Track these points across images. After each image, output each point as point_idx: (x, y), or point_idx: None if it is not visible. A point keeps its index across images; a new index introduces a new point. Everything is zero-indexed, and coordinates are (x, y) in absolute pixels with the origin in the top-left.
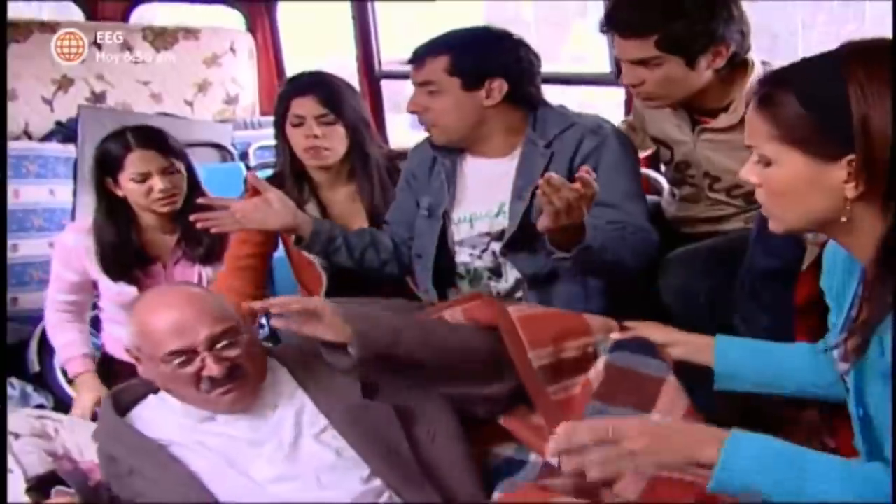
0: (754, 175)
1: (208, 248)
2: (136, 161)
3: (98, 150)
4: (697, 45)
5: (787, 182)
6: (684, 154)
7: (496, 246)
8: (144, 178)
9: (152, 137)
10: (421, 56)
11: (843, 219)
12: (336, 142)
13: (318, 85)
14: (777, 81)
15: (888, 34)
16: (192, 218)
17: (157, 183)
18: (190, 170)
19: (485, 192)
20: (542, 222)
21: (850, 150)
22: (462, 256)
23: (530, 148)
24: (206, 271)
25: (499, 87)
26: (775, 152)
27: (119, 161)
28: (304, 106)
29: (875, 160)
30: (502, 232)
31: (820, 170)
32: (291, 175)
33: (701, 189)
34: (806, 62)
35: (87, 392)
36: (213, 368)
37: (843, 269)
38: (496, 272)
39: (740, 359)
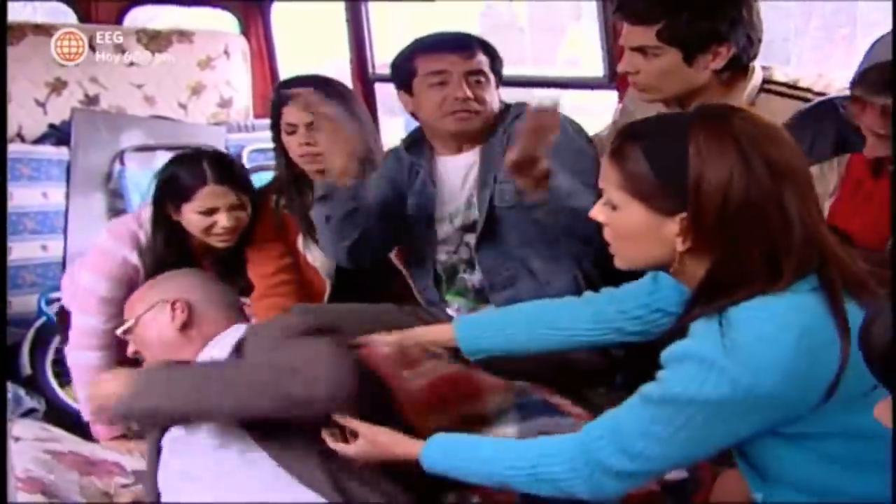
0: (602, 215)
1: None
2: (207, 195)
3: (167, 173)
4: (698, 40)
5: (628, 228)
6: None
7: (469, 237)
8: (211, 212)
9: (228, 170)
10: (470, 45)
11: (672, 268)
12: (327, 148)
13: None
14: (629, 135)
15: (880, 38)
16: None
17: (223, 220)
18: (252, 204)
19: (456, 189)
20: (510, 156)
21: (684, 208)
22: (441, 256)
23: (492, 138)
24: None
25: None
26: (620, 200)
27: (189, 192)
28: (294, 114)
29: (703, 220)
30: (474, 223)
31: (657, 222)
32: (290, 180)
33: None
34: (658, 120)
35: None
36: None
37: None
38: (471, 264)
39: (482, 331)
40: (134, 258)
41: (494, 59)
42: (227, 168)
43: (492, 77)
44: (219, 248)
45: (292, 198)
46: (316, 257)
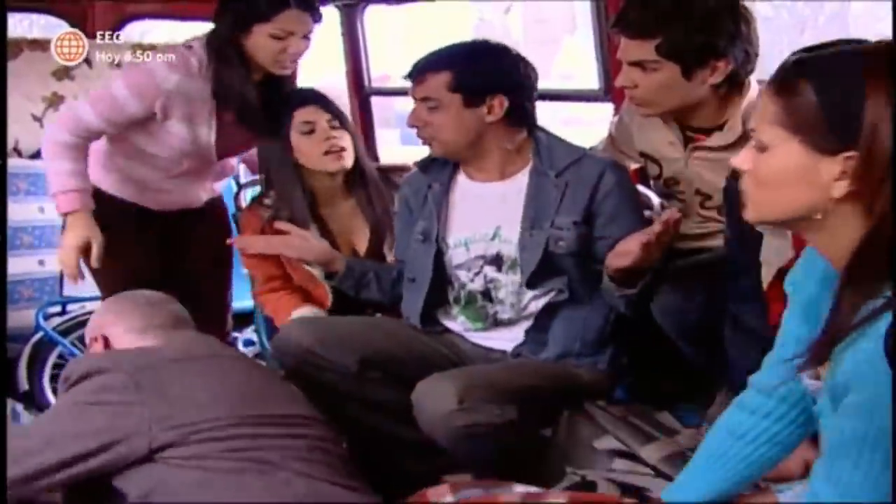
0: (748, 161)
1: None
2: (286, 18)
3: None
4: (696, 55)
5: (778, 170)
6: (674, 171)
7: (489, 269)
8: (286, 37)
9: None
10: (421, 71)
11: (819, 215)
12: (349, 144)
13: (316, 96)
14: (798, 70)
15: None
16: (229, 242)
17: (294, 45)
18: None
19: (478, 216)
20: (620, 262)
21: (850, 147)
22: (461, 278)
23: (540, 178)
24: None
25: (499, 103)
26: (775, 137)
27: (270, 13)
28: (312, 113)
29: (874, 161)
30: (496, 255)
31: (814, 162)
32: (299, 189)
33: (691, 206)
34: (829, 56)
35: (73, 231)
36: None
37: (821, 278)
38: (487, 295)
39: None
40: (171, 84)
41: (468, 74)
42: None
43: (454, 96)
44: (274, 76)
45: (294, 203)
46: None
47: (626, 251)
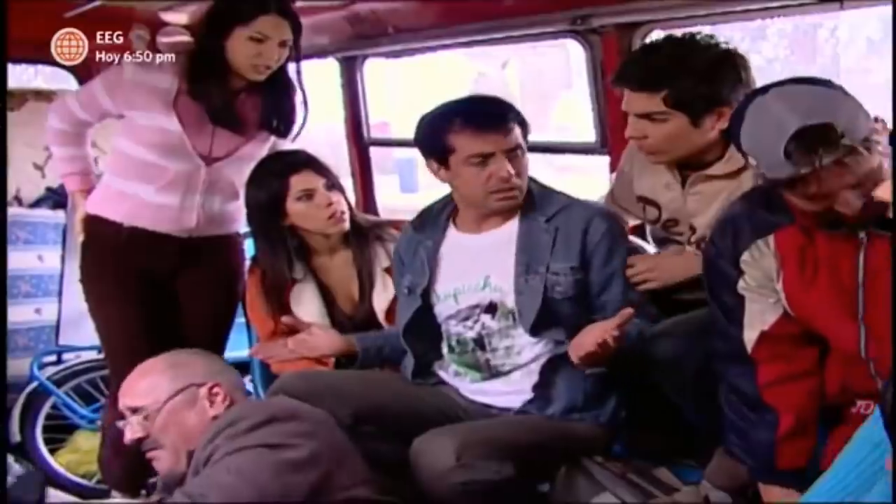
0: None
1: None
2: (264, 23)
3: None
4: (702, 104)
5: None
6: (672, 211)
7: (486, 318)
8: (262, 41)
9: (288, 6)
10: (505, 120)
11: None
12: (345, 206)
13: (309, 159)
14: None
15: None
16: (250, 353)
17: (268, 51)
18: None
19: (467, 267)
20: (575, 355)
21: None
22: (455, 329)
23: (530, 224)
24: None
25: None
26: None
27: (250, 15)
28: (309, 180)
29: None
30: (490, 304)
31: None
32: (284, 249)
33: (683, 245)
34: None
35: (77, 209)
36: None
37: None
38: (480, 343)
39: None
40: (131, 73)
41: (525, 128)
42: (287, 4)
43: (525, 147)
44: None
45: (276, 265)
46: (308, 315)
47: (580, 346)
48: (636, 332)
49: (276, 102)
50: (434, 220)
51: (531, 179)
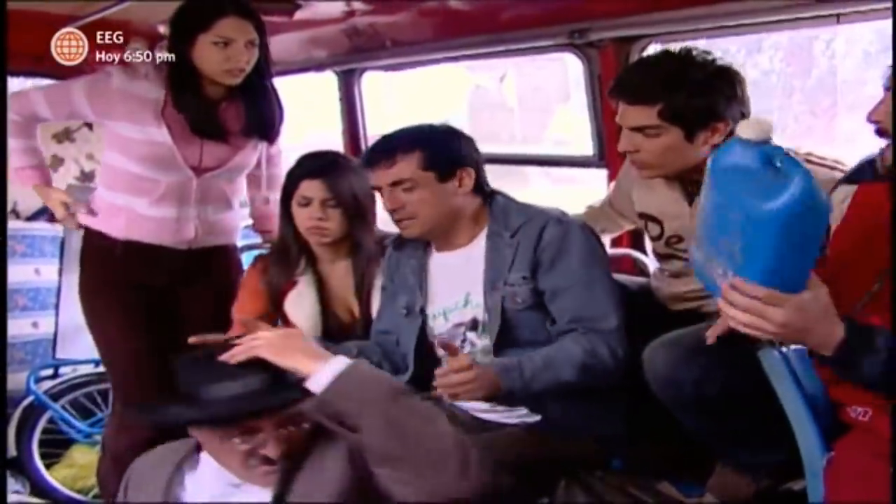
0: None
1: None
2: (225, 26)
3: (186, 2)
4: (697, 118)
5: None
6: (676, 228)
7: (472, 335)
8: (227, 44)
9: (247, 6)
10: (389, 155)
11: None
12: (335, 224)
13: (328, 169)
14: None
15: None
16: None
17: (237, 53)
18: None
19: (452, 285)
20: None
21: None
22: (442, 350)
23: (496, 239)
24: None
25: (468, 174)
26: None
27: (208, 21)
28: (313, 189)
29: None
30: (474, 320)
31: None
32: (295, 248)
33: (686, 261)
34: None
35: (48, 200)
36: (272, 449)
37: None
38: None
39: None
40: (115, 83)
41: (437, 151)
42: (245, 4)
43: (428, 174)
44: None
45: (294, 265)
46: (303, 317)
47: (446, 384)
48: (528, 369)
49: (258, 108)
50: (413, 239)
51: (500, 194)
